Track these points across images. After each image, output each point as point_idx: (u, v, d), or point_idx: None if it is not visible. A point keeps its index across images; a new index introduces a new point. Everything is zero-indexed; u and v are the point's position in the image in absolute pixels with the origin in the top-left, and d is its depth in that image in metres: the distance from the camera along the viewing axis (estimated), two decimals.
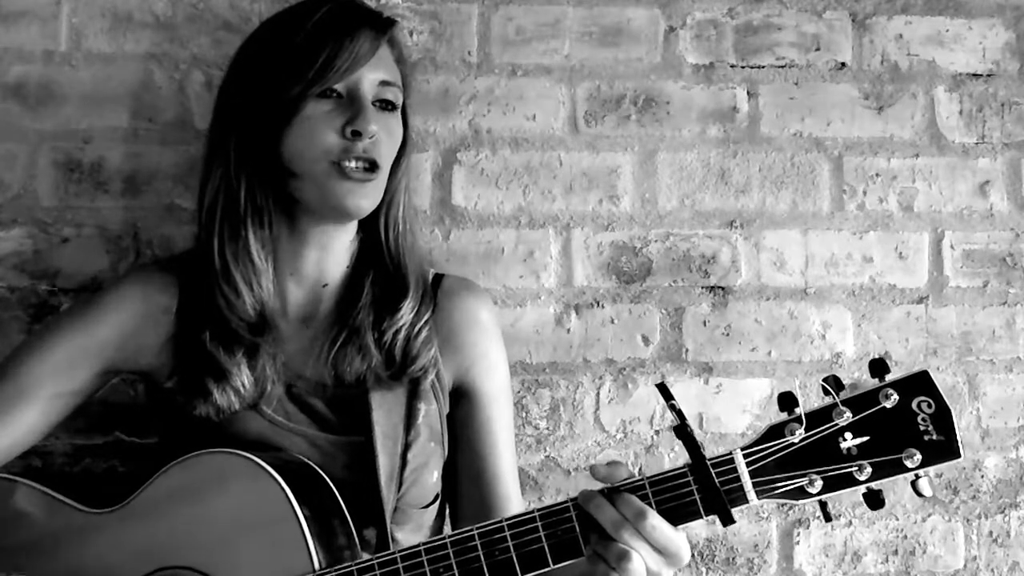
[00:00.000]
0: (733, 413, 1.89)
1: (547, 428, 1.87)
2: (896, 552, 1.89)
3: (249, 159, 1.49)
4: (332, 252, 1.57)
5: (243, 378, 1.47)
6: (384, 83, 1.50)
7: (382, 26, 1.51)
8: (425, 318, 1.55)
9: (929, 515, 1.91)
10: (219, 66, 1.80)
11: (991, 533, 1.91)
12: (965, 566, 1.91)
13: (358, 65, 1.46)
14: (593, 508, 1.25)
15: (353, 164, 1.46)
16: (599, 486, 1.28)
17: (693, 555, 1.87)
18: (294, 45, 1.46)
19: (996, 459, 1.92)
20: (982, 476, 1.92)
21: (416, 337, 1.53)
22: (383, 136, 1.49)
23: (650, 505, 1.24)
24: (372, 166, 1.47)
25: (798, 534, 1.89)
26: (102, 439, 1.80)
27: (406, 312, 1.53)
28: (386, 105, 1.52)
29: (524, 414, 1.87)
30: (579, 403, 1.88)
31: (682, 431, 1.25)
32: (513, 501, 1.61)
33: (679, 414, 1.25)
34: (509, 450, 1.63)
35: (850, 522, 1.89)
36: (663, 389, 1.27)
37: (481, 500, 1.60)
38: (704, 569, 1.88)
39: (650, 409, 1.88)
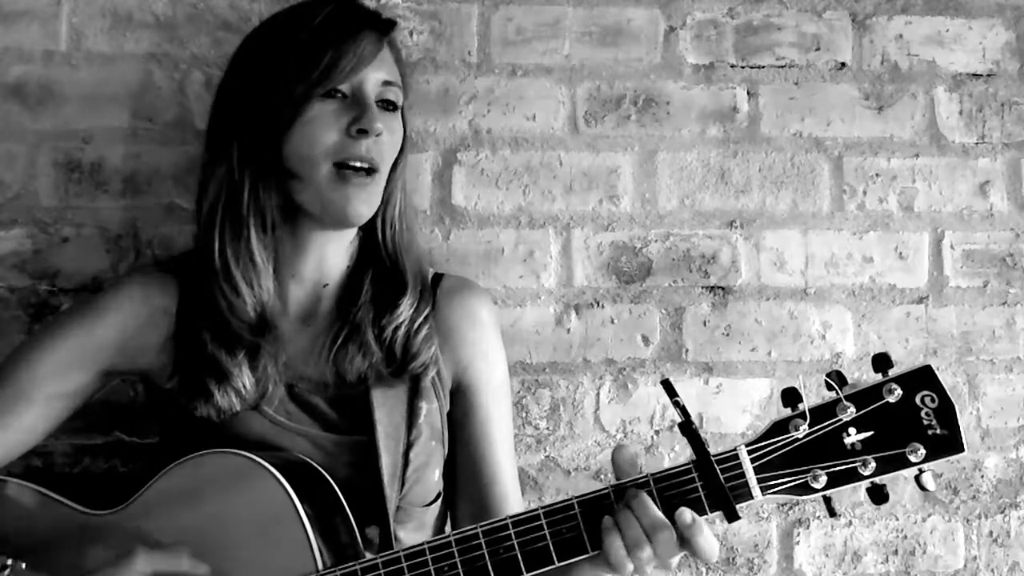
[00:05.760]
0: (733, 413, 1.89)
1: (547, 428, 1.87)
2: (896, 552, 1.89)
3: (252, 159, 1.49)
4: (332, 254, 1.57)
5: (244, 379, 1.47)
6: (386, 83, 1.52)
7: (384, 27, 1.53)
8: (424, 314, 1.56)
9: (929, 515, 1.90)
10: (219, 66, 1.79)
11: (991, 533, 1.91)
12: (965, 566, 1.91)
13: (362, 65, 1.48)
14: (622, 519, 1.24)
15: (357, 164, 1.47)
16: (597, 485, 1.28)
17: None
18: (298, 45, 1.46)
19: (996, 459, 1.92)
20: (982, 476, 1.92)
21: (416, 334, 1.53)
22: (386, 135, 1.50)
23: (654, 500, 1.24)
24: (371, 171, 1.49)
25: (798, 534, 1.89)
26: (102, 439, 1.80)
27: (405, 308, 1.53)
28: (388, 105, 1.53)
29: (524, 414, 1.86)
30: (579, 403, 1.88)
31: (687, 428, 1.25)
32: (511, 501, 1.60)
33: (683, 411, 1.25)
34: (507, 449, 1.62)
35: (850, 522, 1.89)
36: (667, 386, 1.27)
37: (479, 500, 1.59)
38: (704, 569, 1.88)
39: (650, 409, 1.88)
